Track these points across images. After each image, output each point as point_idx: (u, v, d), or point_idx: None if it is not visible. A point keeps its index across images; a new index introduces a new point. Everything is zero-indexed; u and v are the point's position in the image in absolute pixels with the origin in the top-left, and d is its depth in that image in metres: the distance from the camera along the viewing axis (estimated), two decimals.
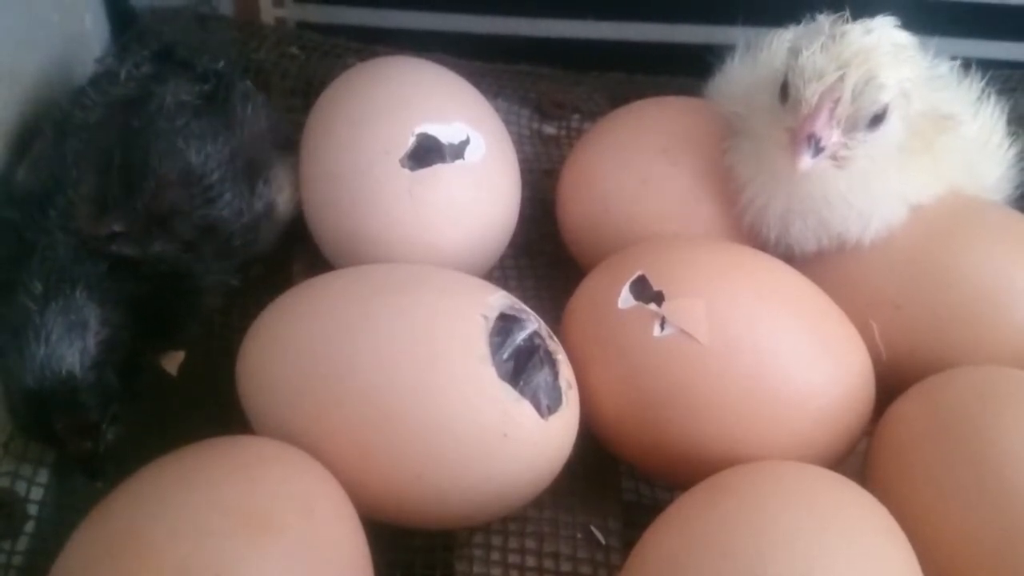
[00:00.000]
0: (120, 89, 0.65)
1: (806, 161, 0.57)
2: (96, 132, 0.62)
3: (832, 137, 0.58)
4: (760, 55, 0.69)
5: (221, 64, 0.70)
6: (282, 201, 0.68)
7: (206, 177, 0.63)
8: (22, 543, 0.58)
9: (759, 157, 0.63)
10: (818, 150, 0.57)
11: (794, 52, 0.59)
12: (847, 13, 0.61)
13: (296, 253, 0.71)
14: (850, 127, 0.58)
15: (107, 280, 0.59)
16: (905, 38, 0.60)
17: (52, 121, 0.64)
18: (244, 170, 0.65)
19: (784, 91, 0.59)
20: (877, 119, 0.59)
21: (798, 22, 0.69)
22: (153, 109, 0.63)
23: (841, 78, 0.57)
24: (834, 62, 0.57)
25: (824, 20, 0.60)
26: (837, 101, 0.57)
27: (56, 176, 0.60)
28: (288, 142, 0.70)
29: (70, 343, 0.56)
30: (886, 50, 0.58)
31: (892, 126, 0.60)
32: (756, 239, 0.66)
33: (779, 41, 0.69)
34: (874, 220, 0.63)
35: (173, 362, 0.66)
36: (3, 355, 0.57)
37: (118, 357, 0.59)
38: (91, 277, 0.58)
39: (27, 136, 0.67)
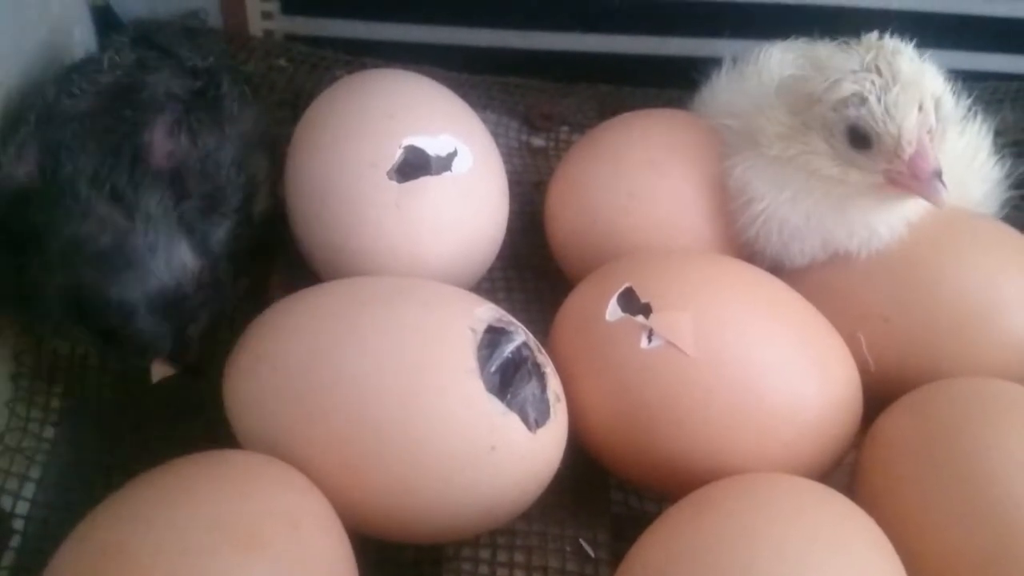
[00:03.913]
0: (106, 77, 0.65)
1: (945, 195, 0.58)
2: (90, 121, 0.62)
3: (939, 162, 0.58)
4: (747, 69, 0.70)
5: (210, 60, 0.69)
6: (257, 212, 0.67)
7: (228, 196, 0.64)
8: (7, 558, 0.57)
9: (775, 176, 0.63)
10: (941, 180, 0.58)
11: (856, 98, 0.58)
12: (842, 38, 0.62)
13: (275, 266, 0.71)
14: (939, 144, 0.59)
15: None
16: (910, 49, 0.61)
17: (35, 108, 0.63)
18: (246, 188, 0.66)
19: (858, 137, 0.59)
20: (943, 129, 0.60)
21: (784, 36, 0.69)
22: (146, 98, 0.63)
23: (921, 107, 0.58)
24: (907, 94, 0.57)
25: (845, 53, 0.60)
26: (930, 130, 0.58)
27: (47, 166, 0.60)
28: (274, 144, 0.70)
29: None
30: (919, 65, 0.59)
31: None
32: (747, 250, 0.66)
33: (766, 55, 0.69)
34: (876, 237, 0.63)
35: (161, 372, 0.65)
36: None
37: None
38: None
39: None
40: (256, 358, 0.56)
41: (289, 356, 0.55)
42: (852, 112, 0.59)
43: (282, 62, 0.86)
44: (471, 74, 0.87)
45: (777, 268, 0.65)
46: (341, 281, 0.61)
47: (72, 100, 0.63)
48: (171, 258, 0.58)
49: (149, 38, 0.69)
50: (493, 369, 0.54)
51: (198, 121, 0.64)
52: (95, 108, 0.63)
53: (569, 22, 0.87)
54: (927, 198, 0.58)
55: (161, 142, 0.62)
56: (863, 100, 0.58)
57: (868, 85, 0.58)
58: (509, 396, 0.54)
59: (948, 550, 0.51)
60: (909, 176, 0.58)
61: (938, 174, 0.58)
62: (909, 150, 0.58)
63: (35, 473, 0.61)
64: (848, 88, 0.59)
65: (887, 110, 0.58)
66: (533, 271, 0.75)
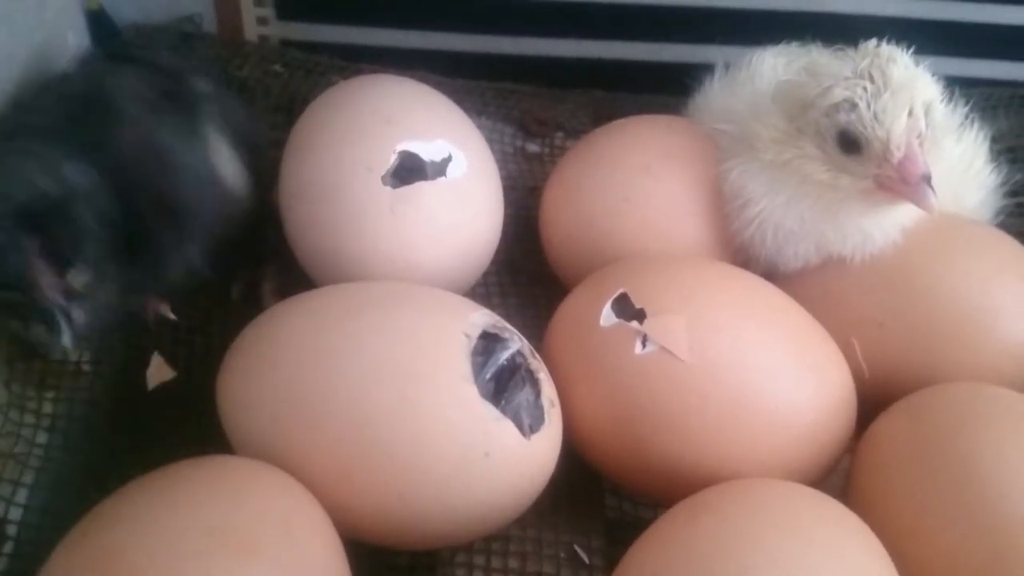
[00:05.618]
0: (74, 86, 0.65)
1: (934, 200, 0.58)
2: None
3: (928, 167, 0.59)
4: (740, 74, 0.70)
5: (179, 61, 0.70)
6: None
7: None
8: (0, 564, 0.57)
9: (770, 180, 0.64)
10: (930, 184, 0.58)
11: (846, 104, 0.59)
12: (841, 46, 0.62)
13: (268, 271, 0.71)
14: (929, 149, 0.59)
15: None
16: (906, 56, 0.61)
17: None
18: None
19: (849, 142, 0.59)
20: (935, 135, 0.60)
21: (776, 42, 0.69)
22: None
23: (911, 112, 0.58)
24: (896, 99, 0.58)
25: (840, 60, 0.61)
26: (920, 136, 0.58)
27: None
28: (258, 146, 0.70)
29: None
30: (913, 71, 0.59)
31: None
32: (742, 255, 0.66)
33: (758, 60, 0.69)
34: (870, 242, 0.63)
35: (158, 376, 0.65)
36: None
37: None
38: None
39: None
40: (250, 363, 0.56)
41: (283, 361, 0.55)
42: (843, 117, 0.59)
43: (277, 67, 0.87)
44: (466, 80, 0.87)
45: (772, 273, 0.65)
46: (335, 286, 0.61)
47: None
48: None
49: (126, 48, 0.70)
50: (487, 375, 0.54)
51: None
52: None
53: (563, 28, 0.88)
54: (916, 203, 0.59)
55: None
56: (853, 106, 0.58)
57: (859, 91, 0.58)
58: (503, 402, 0.54)
59: (942, 555, 0.51)
60: (898, 180, 0.59)
61: (927, 179, 0.58)
62: (898, 155, 0.58)
63: (28, 478, 0.60)
64: (839, 94, 0.59)
65: (876, 115, 0.58)
66: (528, 276, 0.75)
